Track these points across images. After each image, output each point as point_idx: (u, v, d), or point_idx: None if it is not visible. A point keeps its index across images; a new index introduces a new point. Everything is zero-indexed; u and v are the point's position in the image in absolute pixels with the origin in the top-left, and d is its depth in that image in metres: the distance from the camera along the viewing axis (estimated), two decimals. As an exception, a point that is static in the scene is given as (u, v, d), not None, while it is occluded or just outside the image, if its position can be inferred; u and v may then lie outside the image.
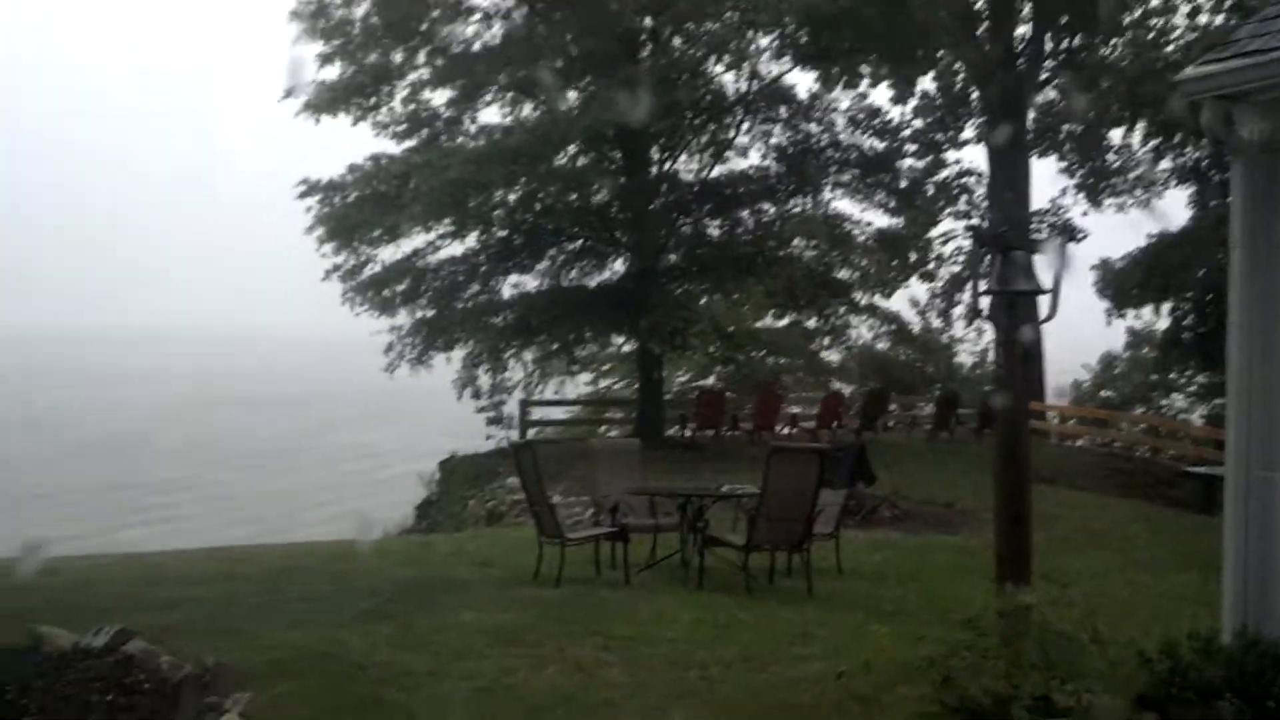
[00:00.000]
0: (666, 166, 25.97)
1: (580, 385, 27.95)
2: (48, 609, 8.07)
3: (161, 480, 32.34)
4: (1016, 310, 7.68)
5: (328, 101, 24.66)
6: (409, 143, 25.48)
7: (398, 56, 24.69)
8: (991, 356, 30.12)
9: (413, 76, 25.18)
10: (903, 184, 28.38)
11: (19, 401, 51.73)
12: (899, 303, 30.99)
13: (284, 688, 6.65)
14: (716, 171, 26.48)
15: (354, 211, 24.46)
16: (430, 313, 25.43)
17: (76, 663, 6.55)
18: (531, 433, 25.40)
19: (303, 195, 24.70)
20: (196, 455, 37.70)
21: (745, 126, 26.36)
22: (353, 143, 26.19)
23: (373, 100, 25.06)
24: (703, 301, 25.56)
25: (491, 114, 25.84)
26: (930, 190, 29.72)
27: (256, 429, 46.39)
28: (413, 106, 25.56)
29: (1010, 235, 7.47)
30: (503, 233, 25.46)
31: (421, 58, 24.99)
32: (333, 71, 24.65)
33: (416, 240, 25.30)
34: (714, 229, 26.82)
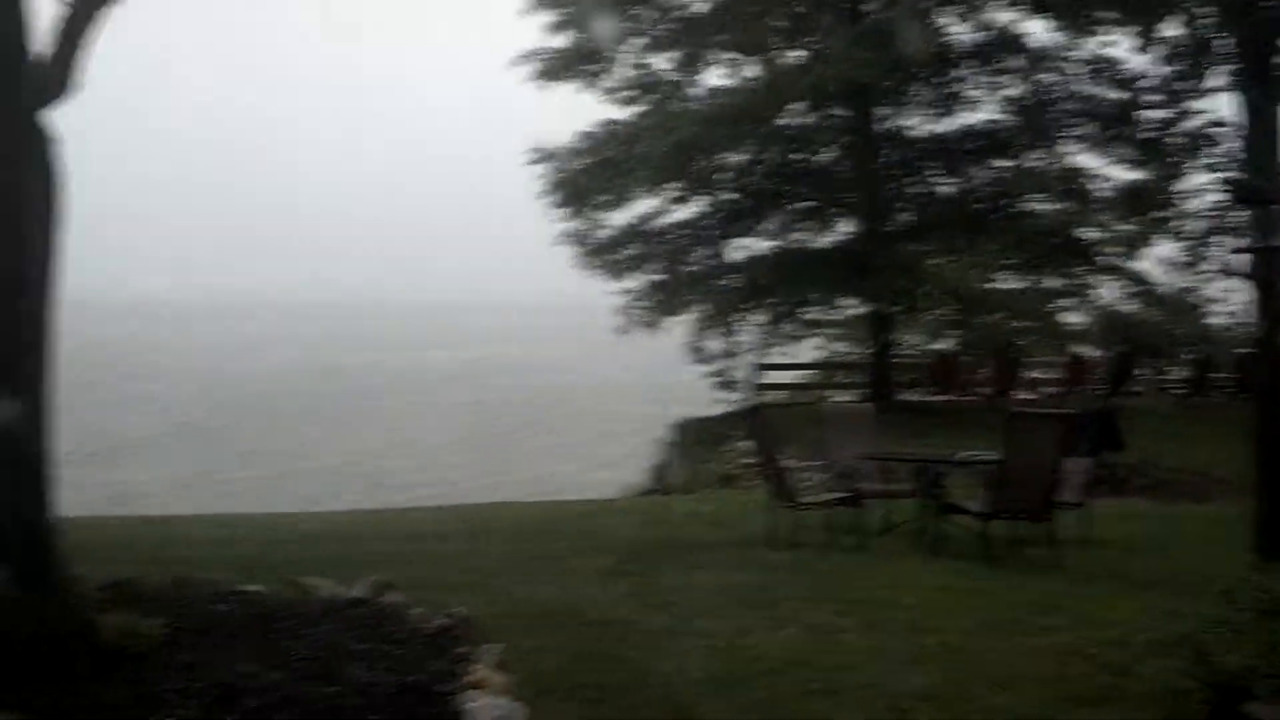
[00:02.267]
0: (894, 123, 25.43)
1: (810, 349, 27.73)
2: (318, 562, 8.60)
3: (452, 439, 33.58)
4: (1276, 266, 7.23)
5: (557, 68, 25.12)
6: (635, 108, 25.72)
7: (623, 22, 24.90)
8: (1247, 316, 28.39)
9: (638, 42, 25.40)
10: (1147, 135, 26.93)
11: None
12: (1145, 261, 29.44)
13: (531, 641, 6.87)
14: (946, 127, 25.75)
15: (583, 177, 24.90)
16: (660, 277, 25.69)
17: (339, 612, 6.92)
18: (762, 396, 25.40)
19: (534, 162, 25.30)
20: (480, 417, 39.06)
21: (976, 79, 25.53)
22: (568, 110, 26.67)
23: (599, 66, 25.42)
24: (933, 262, 24.97)
25: (716, 76, 25.80)
26: (1178, 141, 28.08)
27: (517, 391, 47.84)
28: (638, 71, 25.81)
29: (1269, 187, 6.99)
30: (729, 195, 25.50)
31: (647, 22, 25.17)
32: (561, 39, 25.16)
33: (645, 204, 25.61)
34: (944, 186, 26.15)
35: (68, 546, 5.84)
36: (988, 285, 26.03)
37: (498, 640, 6.61)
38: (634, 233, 25.91)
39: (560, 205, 25.36)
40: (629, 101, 25.80)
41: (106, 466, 27.23)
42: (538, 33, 25.18)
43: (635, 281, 25.91)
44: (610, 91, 25.75)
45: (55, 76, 6.17)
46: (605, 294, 26.02)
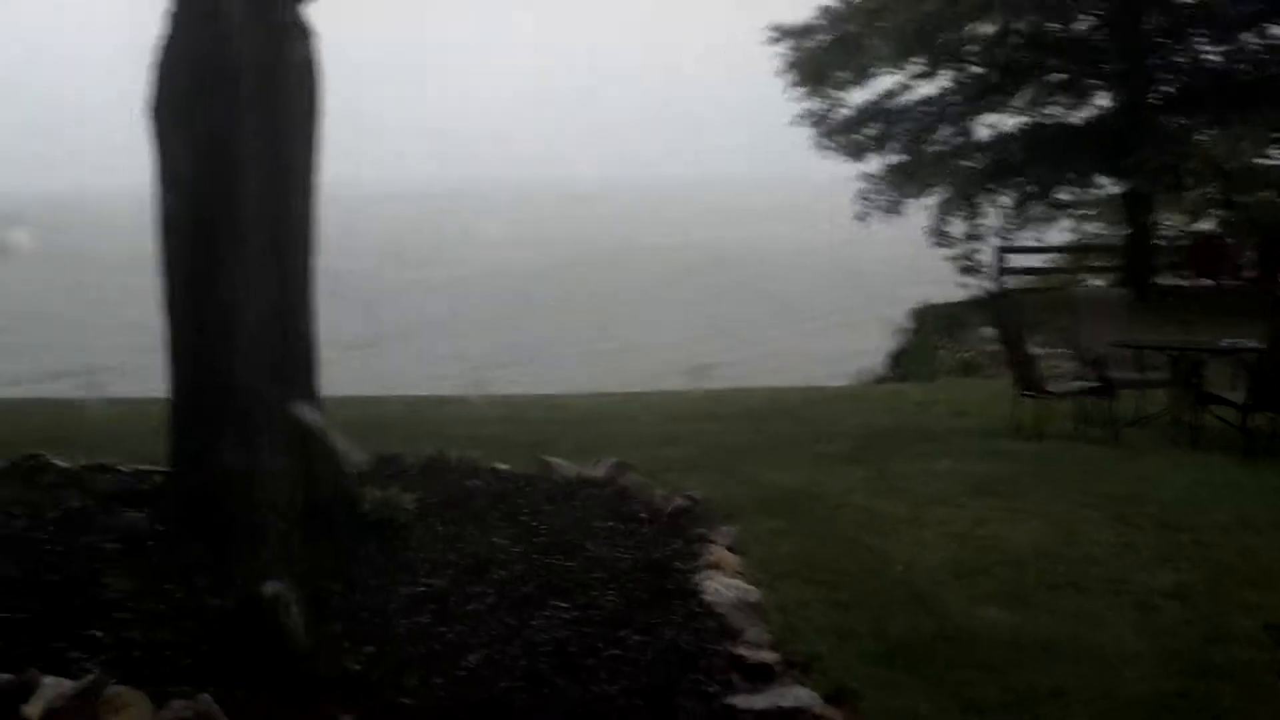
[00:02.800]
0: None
1: (1061, 231, 26.55)
2: (567, 442, 8.90)
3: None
4: None
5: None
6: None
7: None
8: None
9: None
10: None
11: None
12: None
13: (767, 524, 6.96)
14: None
15: (824, 54, 24.33)
16: (902, 157, 25.00)
17: (580, 491, 7.17)
18: (1008, 281, 24.56)
19: (774, 40, 24.85)
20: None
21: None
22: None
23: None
24: (1198, 136, 23.36)
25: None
26: None
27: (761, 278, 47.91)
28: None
29: None
30: (977, 69, 24.48)
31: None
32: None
33: (887, 81, 24.89)
34: (1212, 55, 24.32)
35: (345, 424, 6.20)
36: (1257, 160, 24.21)
37: (735, 522, 6.73)
38: (875, 111, 25.21)
39: (798, 84, 24.90)
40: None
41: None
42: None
43: (875, 163, 25.31)
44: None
45: None
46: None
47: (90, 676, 3.92)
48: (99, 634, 4.50)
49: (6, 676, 3.94)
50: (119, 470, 6.99)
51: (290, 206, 6.17)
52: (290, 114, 6.14)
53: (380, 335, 30.43)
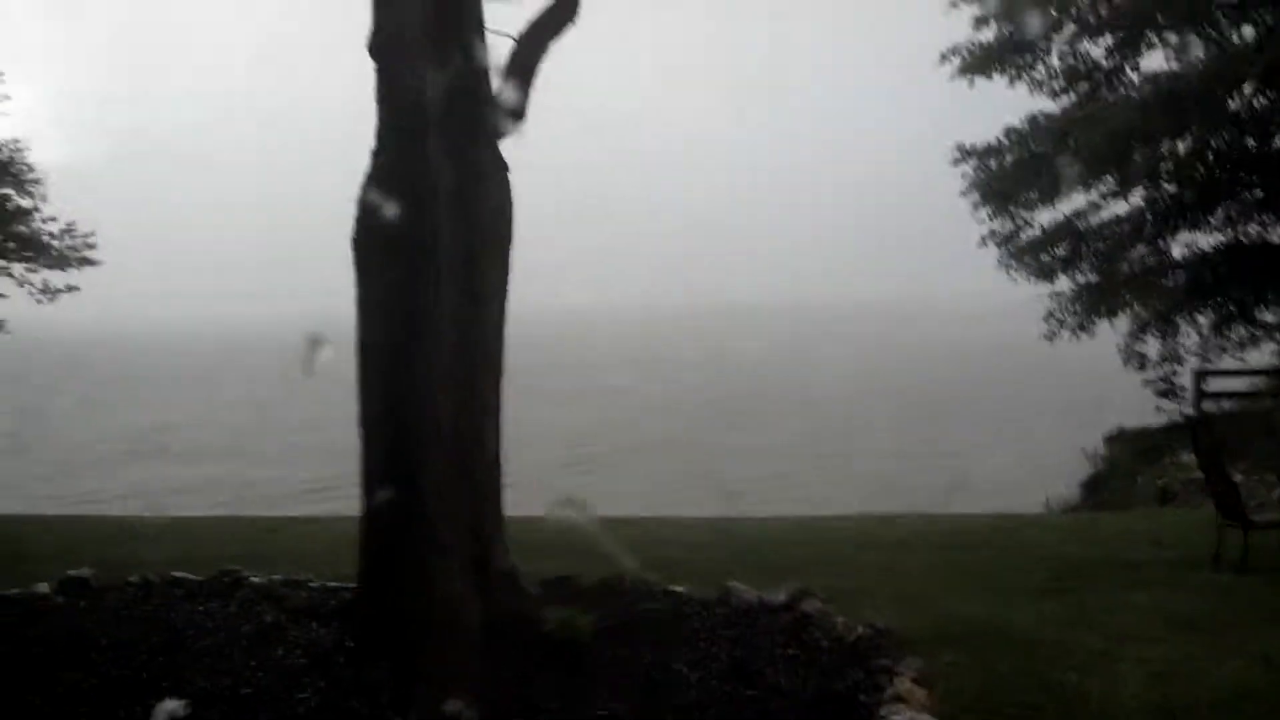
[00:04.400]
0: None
1: (1265, 354, 25.32)
2: (742, 566, 8.81)
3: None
4: None
5: (982, 62, 24.27)
6: (1065, 100, 24.52)
7: (1055, 10, 23.72)
8: None
9: (1071, 28, 24.12)
10: None
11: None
12: None
13: (953, 657, 6.73)
14: None
15: (1010, 175, 24.04)
16: (1093, 277, 24.39)
17: (760, 617, 7.09)
18: (1207, 406, 23.49)
19: (957, 162, 24.70)
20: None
21: None
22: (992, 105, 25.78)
23: (1029, 57, 24.36)
24: None
25: (1156, 59, 24.08)
26: None
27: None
28: (1070, 61, 24.52)
29: None
30: (1171, 187, 23.81)
31: (1081, 6, 23.84)
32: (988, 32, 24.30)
33: (1076, 201, 24.39)
34: None
35: (529, 544, 6.29)
36: None
37: (919, 654, 6.54)
38: (1065, 231, 24.69)
39: (984, 204, 24.62)
40: (1059, 93, 24.59)
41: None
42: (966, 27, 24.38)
43: (1065, 283, 24.73)
44: (1039, 84, 24.62)
45: (509, 108, 6.72)
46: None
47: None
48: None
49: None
50: (310, 586, 7.23)
51: (483, 332, 6.40)
52: (485, 243, 6.39)
53: (594, 454, 31.05)
